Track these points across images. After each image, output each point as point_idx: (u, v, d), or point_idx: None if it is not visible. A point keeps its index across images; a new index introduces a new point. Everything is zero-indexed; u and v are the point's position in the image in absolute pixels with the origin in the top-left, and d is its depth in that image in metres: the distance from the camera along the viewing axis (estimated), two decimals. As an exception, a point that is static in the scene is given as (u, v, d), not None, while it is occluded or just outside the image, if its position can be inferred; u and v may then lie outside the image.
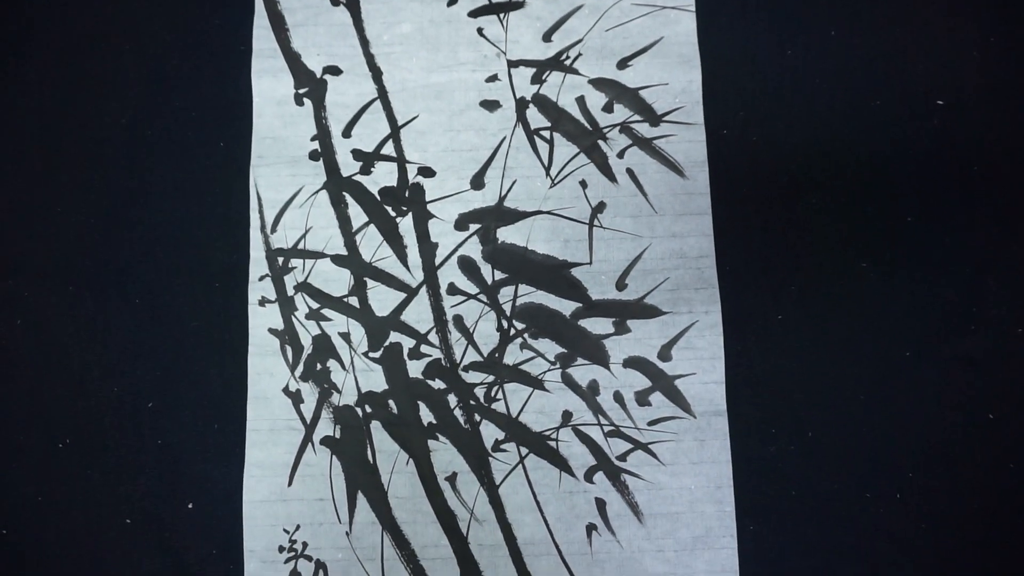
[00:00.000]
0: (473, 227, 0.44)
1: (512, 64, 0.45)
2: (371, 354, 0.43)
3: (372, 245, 0.43)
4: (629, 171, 0.44)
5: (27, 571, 0.41)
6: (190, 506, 0.42)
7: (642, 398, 0.42)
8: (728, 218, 0.44)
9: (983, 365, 0.42)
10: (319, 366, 0.42)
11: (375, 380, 0.42)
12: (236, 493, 0.41)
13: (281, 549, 0.41)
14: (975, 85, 0.45)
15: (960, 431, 0.42)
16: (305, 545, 0.41)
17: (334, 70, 0.45)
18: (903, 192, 0.44)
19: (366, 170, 0.44)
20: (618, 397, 0.42)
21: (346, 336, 0.43)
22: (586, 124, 0.44)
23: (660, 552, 0.41)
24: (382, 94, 0.45)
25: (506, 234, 0.43)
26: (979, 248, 0.43)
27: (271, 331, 0.43)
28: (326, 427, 0.42)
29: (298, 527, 0.41)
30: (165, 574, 0.41)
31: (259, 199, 0.44)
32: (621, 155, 0.44)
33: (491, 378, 0.42)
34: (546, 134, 0.44)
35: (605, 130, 0.44)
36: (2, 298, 0.43)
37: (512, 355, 0.42)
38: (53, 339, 0.43)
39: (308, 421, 0.42)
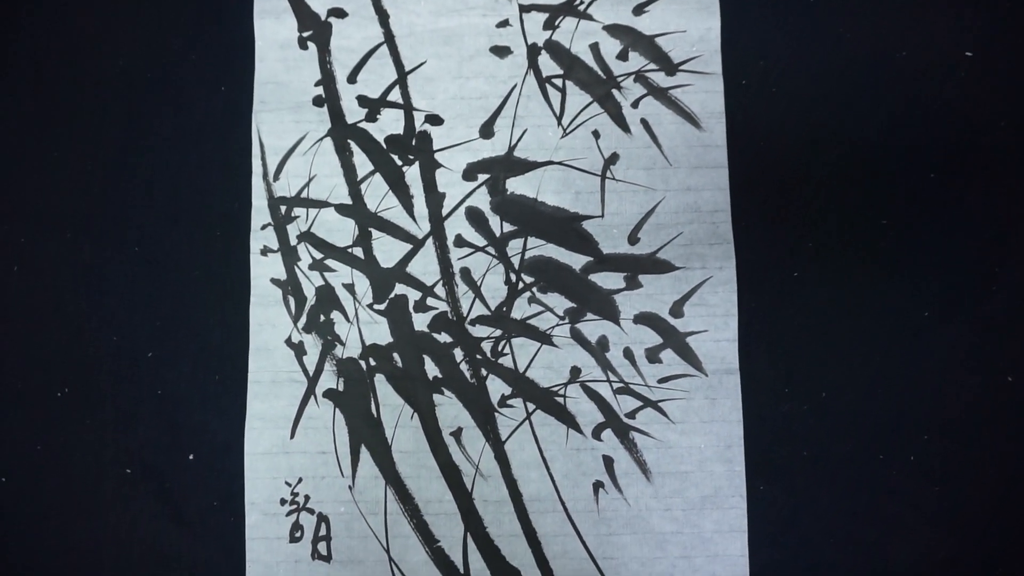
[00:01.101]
0: (482, 177, 0.42)
1: (524, 9, 0.43)
2: (376, 306, 0.42)
3: (377, 194, 0.42)
4: (643, 122, 0.42)
5: (26, 519, 0.41)
6: (191, 457, 0.41)
7: (652, 355, 0.41)
8: (745, 172, 0.42)
9: (1004, 327, 0.41)
10: (322, 318, 0.41)
11: (379, 332, 0.41)
12: (237, 445, 0.41)
13: (283, 502, 0.40)
14: (1005, 37, 0.43)
15: (978, 394, 0.41)
16: (307, 498, 0.40)
17: (339, 12, 0.43)
18: (927, 147, 0.42)
19: (372, 117, 0.43)
20: (628, 353, 0.41)
21: (350, 287, 0.42)
22: (600, 72, 0.43)
23: (668, 511, 0.40)
24: (389, 38, 0.43)
25: (515, 185, 0.42)
26: (1004, 207, 0.42)
27: (273, 281, 0.42)
28: (329, 380, 0.41)
29: (300, 480, 0.40)
30: (165, 525, 0.40)
31: (261, 146, 0.43)
32: (635, 105, 0.43)
33: (498, 332, 0.41)
34: (558, 82, 0.43)
35: (619, 79, 0.43)
36: (0, 244, 0.43)
37: (520, 309, 0.41)
38: (51, 286, 0.42)
39: (311, 373, 0.41)
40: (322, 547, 0.40)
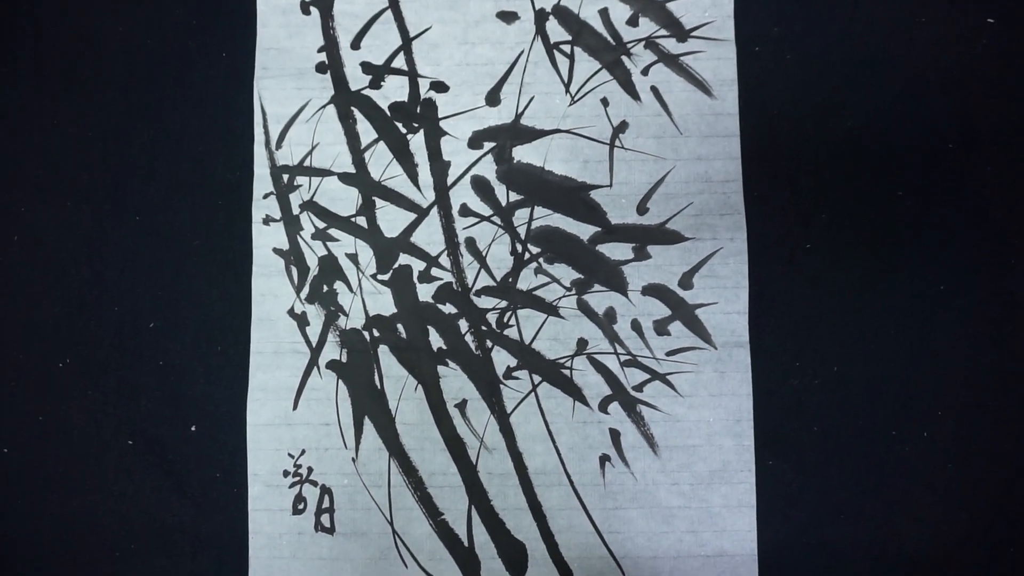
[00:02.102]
0: (488, 145, 0.41)
1: (532, -28, 0.42)
2: (379, 276, 0.41)
3: (381, 163, 0.41)
4: (653, 89, 0.41)
5: (27, 490, 0.40)
6: (193, 429, 0.40)
7: (661, 327, 0.40)
8: (757, 141, 0.41)
9: (1021, 302, 0.40)
10: (325, 288, 0.41)
11: (383, 303, 0.41)
12: (240, 416, 0.40)
13: (286, 473, 0.40)
14: (1028, 2, 0.42)
15: (994, 369, 0.40)
16: (310, 470, 0.40)
17: (343, -24, 0.42)
18: (946, 117, 0.41)
19: (376, 84, 0.42)
20: (636, 325, 0.40)
21: (353, 257, 0.41)
22: (609, 38, 0.42)
23: (675, 485, 0.39)
24: (393, 3, 0.42)
25: (522, 153, 0.41)
26: (1023, 177, 0.41)
27: (276, 251, 0.41)
28: (332, 351, 0.40)
29: (303, 452, 0.40)
30: (167, 496, 0.40)
31: (263, 113, 0.42)
32: (645, 72, 0.42)
33: (504, 303, 0.40)
34: (566, 48, 0.42)
35: (629, 45, 0.42)
36: (0, 213, 0.42)
37: (526, 280, 0.41)
38: (51, 256, 0.42)
39: (314, 344, 0.40)
40: (325, 519, 0.40)
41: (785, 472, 0.40)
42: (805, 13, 0.42)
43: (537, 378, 0.40)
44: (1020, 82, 0.41)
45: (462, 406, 0.40)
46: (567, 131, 0.41)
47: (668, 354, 0.40)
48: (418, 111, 0.42)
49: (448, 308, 0.41)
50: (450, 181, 0.41)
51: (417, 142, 0.42)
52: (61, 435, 0.41)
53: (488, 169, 0.41)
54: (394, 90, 0.42)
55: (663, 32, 0.42)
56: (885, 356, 0.40)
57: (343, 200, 0.41)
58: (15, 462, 0.41)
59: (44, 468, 0.41)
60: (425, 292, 0.41)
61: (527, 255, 0.41)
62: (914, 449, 0.40)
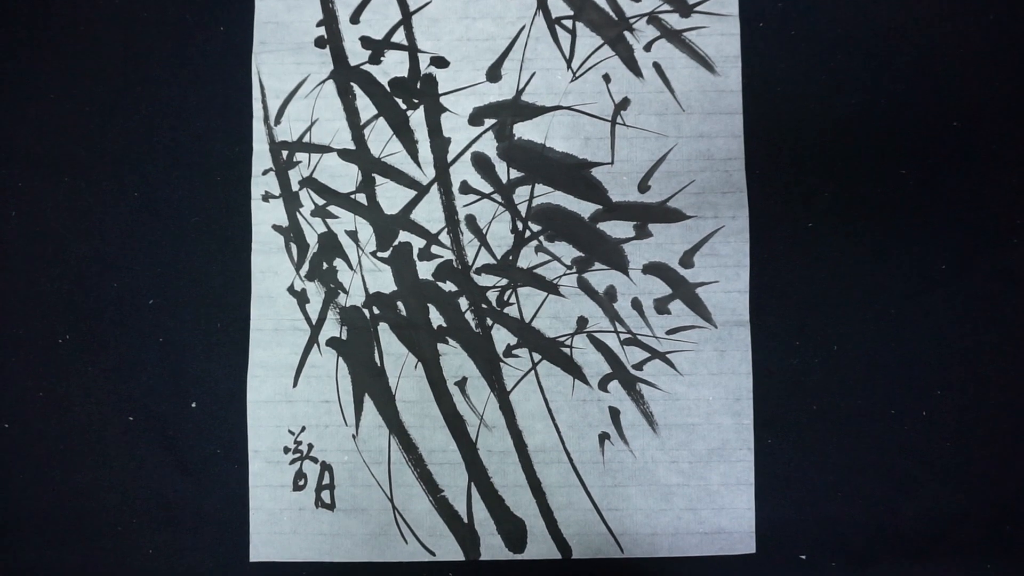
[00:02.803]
0: (488, 122, 0.41)
1: (533, -54, 0.42)
2: (379, 254, 0.41)
3: (381, 139, 0.41)
4: (656, 65, 0.41)
5: (28, 466, 0.41)
6: (193, 405, 0.41)
7: (661, 306, 0.40)
8: (760, 118, 0.41)
9: (1021, 281, 0.40)
10: (325, 265, 0.41)
11: (383, 281, 0.41)
12: (240, 393, 0.40)
13: (286, 450, 0.40)
14: (1037, -22, 0.41)
15: (993, 349, 0.40)
16: (311, 447, 0.40)
17: (342, -51, 0.42)
18: (950, 95, 0.41)
19: (375, 59, 0.41)
20: (636, 304, 0.40)
21: (353, 234, 0.41)
22: (611, 13, 0.41)
23: (674, 463, 0.40)
24: (393, -23, 0.42)
25: (523, 130, 0.41)
26: (1028, 157, 0.41)
27: (275, 228, 0.41)
28: (332, 328, 0.40)
29: (303, 428, 0.40)
30: (168, 472, 0.40)
31: (262, 88, 0.41)
32: (648, 48, 0.41)
33: (504, 281, 0.40)
34: (568, 23, 0.41)
35: (631, 20, 0.41)
36: (-4, 188, 0.42)
37: (527, 258, 0.40)
38: (49, 231, 0.41)
39: (314, 321, 0.40)
40: (325, 495, 0.40)
41: (784, 450, 0.40)
42: (810, -12, 0.41)
43: (537, 356, 0.40)
44: (1022, 61, 0.41)
45: (462, 384, 0.40)
46: (568, 108, 0.41)
47: (668, 333, 0.40)
48: (418, 87, 0.41)
49: (448, 286, 0.40)
50: (450, 158, 0.41)
51: (417, 118, 0.41)
52: (62, 411, 0.41)
53: (489, 146, 0.41)
54: (394, 65, 0.41)
55: (666, 7, 0.41)
56: (884, 335, 0.40)
57: (343, 177, 0.41)
58: (16, 438, 0.41)
59: (45, 444, 0.41)
60: (425, 270, 0.41)
61: (528, 233, 0.41)
62: (913, 428, 0.40)
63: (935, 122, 0.41)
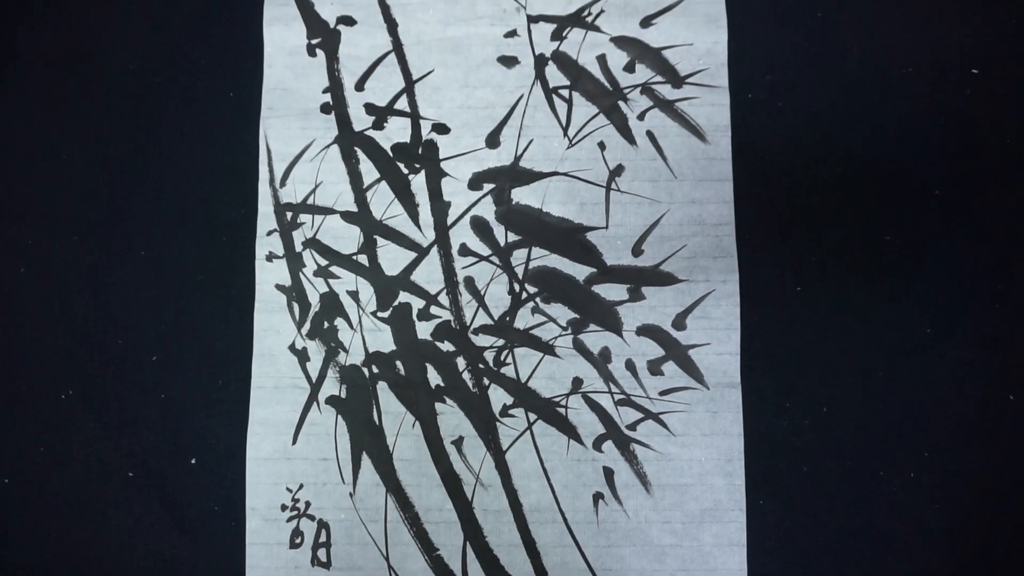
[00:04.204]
0: (487, 187, 0.42)
1: (532, 19, 0.43)
2: (379, 314, 0.42)
3: (383, 202, 0.42)
4: (649, 134, 0.43)
5: (28, 521, 0.41)
6: (193, 462, 0.41)
7: (654, 367, 0.41)
8: (750, 185, 0.42)
9: (1006, 345, 0.41)
10: (326, 324, 0.42)
11: (383, 340, 0.41)
12: (239, 450, 0.41)
13: (283, 508, 0.40)
14: (1011, 55, 0.43)
15: (979, 412, 0.41)
16: (308, 504, 0.40)
17: (348, 20, 0.44)
18: (932, 164, 0.42)
19: (379, 125, 0.43)
20: (630, 365, 0.41)
21: (354, 295, 0.42)
22: (606, 84, 0.43)
23: (667, 523, 0.40)
24: (397, 47, 0.43)
25: (521, 195, 0.42)
26: (1008, 224, 0.42)
27: (278, 287, 0.42)
28: (332, 386, 0.41)
29: (301, 486, 0.40)
30: (166, 529, 0.41)
31: (268, 152, 0.43)
32: (641, 117, 0.43)
33: (501, 342, 0.41)
34: (565, 93, 0.43)
35: (626, 90, 0.43)
36: (6, 245, 0.43)
37: (523, 319, 0.41)
38: (57, 288, 0.42)
39: (314, 380, 0.41)
40: (322, 553, 0.40)
41: (775, 511, 0.40)
42: (796, 62, 0.43)
43: (533, 416, 0.41)
44: (1002, 131, 0.42)
45: (459, 443, 0.41)
46: (565, 174, 0.42)
47: (661, 394, 0.41)
48: (420, 152, 0.43)
49: (446, 346, 0.41)
50: (450, 221, 0.42)
51: (418, 182, 0.43)
52: (62, 466, 0.41)
53: (487, 210, 0.42)
54: (397, 131, 0.43)
55: (659, 78, 0.43)
56: (873, 397, 0.41)
57: (345, 238, 0.42)
58: (16, 493, 0.41)
59: (45, 499, 0.41)
60: (424, 330, 0.41)
61: (524, 294, 0.42)
62: (901, 489, 0.40)
63: (918, 190, 0.42)
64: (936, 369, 0.41)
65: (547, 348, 0.41)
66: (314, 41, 0.43)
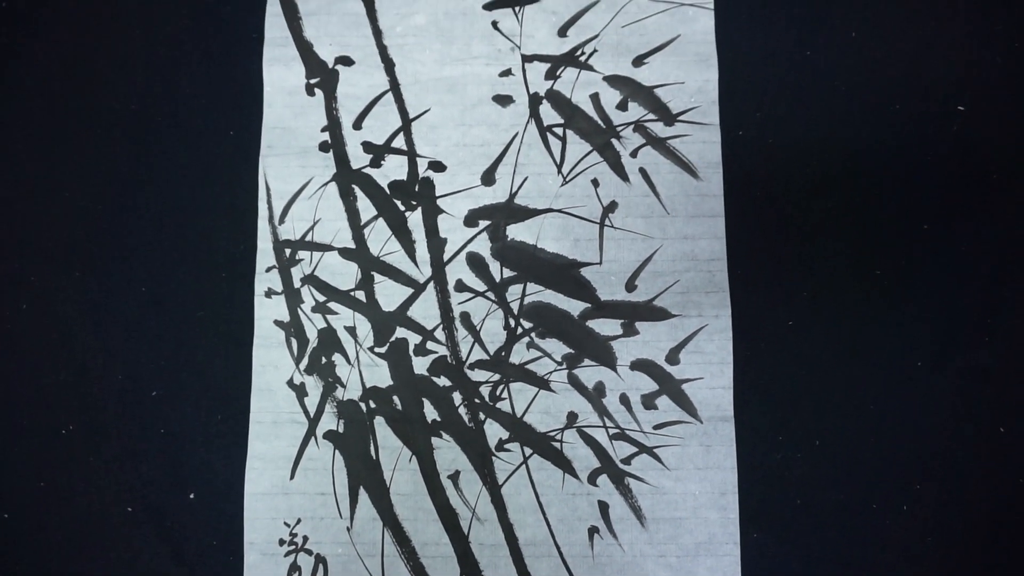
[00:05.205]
0: (483, 223, 0.43)
1: (526, 59, 0.44)
2: (376, 349, 0.42)
3: (380, 239, 0.43)
4: (642, 171, 0.43)
5: (27, 556, 0.41)
6: (191, 496, 0.41)
7: (648, 401, 0.42)
8: (741, 221, 0.43)
9: (997, 377, 0.42)
10: (324, 359, 0.42)
11: (380, 375, 0.42)
12: (238, 485, 0.41)
13: (281, 542, 0.41)
14: (997, 91, 0.44)
15: (970, 444, 0.41)
16: (305, 539, 0.41)
17: (346, 60, 0.44)
18: (920, 199, 0.43)
19: (376, 163, 0.44)
20: (624, 400, 0.42)
21: (352, 330, 0.42)
22: (600, 122, 0.44)
23: (662, 557, 0.40)
24: (394, 86, 0.44)
25: (516, 231, 0.43)
26: (996, 258, 0.43)
27: (277, 323, 0.42)
28: (329, 421, 0.42)
29: (299, 521, 0.41)
30: (164, 564, 0.41)
31: (268, 189, 0.44)
32: (634, 154, 0.43)
33: (497, 377, 0.42)
34: (559, 131, 0.44)
35: (619, 128, 0.44)
36: (8, 281, 0.43)
37: (518, 354, 0.42)
38: (58, 324, 0.43)
39: (312, 415, 0.42)
40: (319, 588, 0.40)
41: (769, 544, 0.41)
42: (786, 100, 0.44)
43: (528, 450, 0.41)
44: (989, 167, 0.43)
45: (455, 477, 0.41)
46: (559, 210, 0.43)
47: (655, 428, 0.41)
48: (416, 189, 0.44)
49: (443, 381, 0.42)
50: (446, 257, 0.43)
51: (415, 219, 0.43)
52: (62, 501, 0.42)
53: (483, 246, 0.43)
54: (394, 169, 0.44)
55: (651, 116, 0.44)
56: (865, 431, 0.41)
57: (343, 274, 0.43)
58: (15, 528, 0.41)
59: (44, 534, 0.41)
60: (420, 365, 0.42)
61: (520, 330, 0.42)
62: (894, 522, 0.41)
63: (907, 225, 0.43)
64: (927, 402, 0.42)
65: (542, 383, 0.42)
66: (313, 81, 0.44)
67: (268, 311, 0.42)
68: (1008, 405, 0.42)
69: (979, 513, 0.41)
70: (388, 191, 0.43)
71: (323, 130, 0.44)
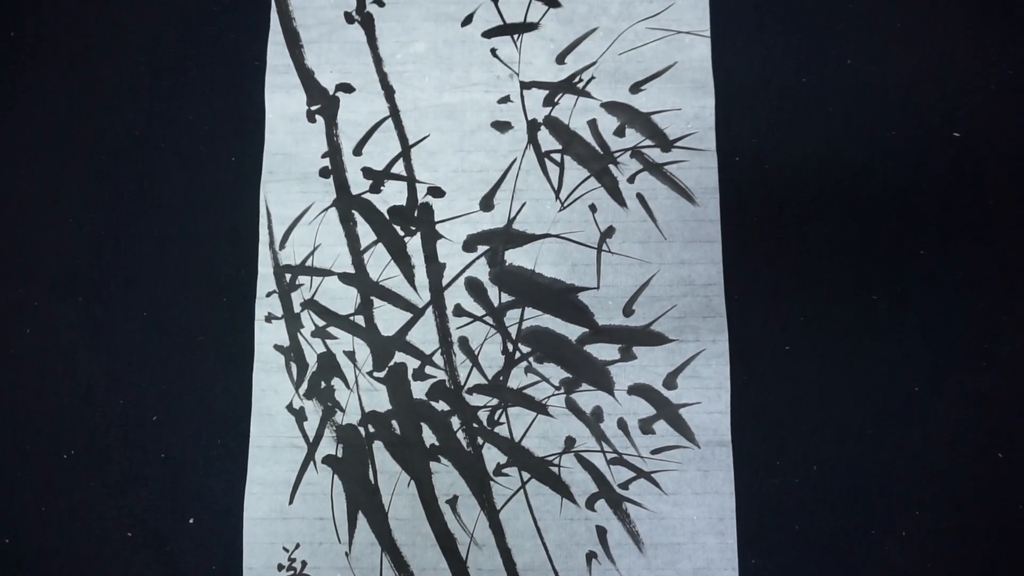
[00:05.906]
0: (481, 248, 0.43)
1: (525, 85, 0.45)
2: (375, 373, 0.42)
3: (380, 264, 0.43)
4: (639, 196, 0.44)
5: (28, 580, 0.41)
6: (191, 521, 0.42)
7: (646, 426, 0.42)
8: (738, 246, 0.43)
9: (994, 402, 0.42)
10: (323, 384, 0.42)
11: (379, 400, 0.42)
12: (237, 509, 0.41)
13: (280, 567, 0.41)
14: (992, 118, 0.44)
15: (969, 469, 0.41)
16: (304, 564, 0.41)
17: (347, 87, 0.45)
18: (917, 224, 0.43)
19: (376, 188, 0.44)
20: (622, 424, 0.42)
21: (351, 355, 0.43)
22: (597, 148, 0.44)
23: (660, 582, 0.40)
24: (394, 113, 0.45)
25: (514, 256, 0.43)
26: (993, 283, 0.43)
27: (277, 347, 0.43)
28: (328, 446, 0.42)
29: (298, 545, 0.41)
30: (164, 588, 0.41)
31: (268, 215, 0.44)
32: (632, 180, 0.44)
33: (495, 401, 0.42)
34: (557, 157, 0.44)
35: (616, 154, 0.44)
36: (12, 307, 0.44)
37: (516, 379, 0.42)
38: (61, 349, 0.43)
39: (311, 439, 0.42)
40: (318, 613, 0.40)
41: (767, 570, 0.41)
42: (781, 126, 0.44)
43: (526, 475, 0.41)
44: (985, 193, 0.43)
45: (453, 502, 0.41)
46: (557, 235, 0.43)
47: (653, 452, 0.41)
48: (416, 215, 0.44)
49: (441, 405, 0.42)
50: (445, 282, 0.43)
51: (414, 244, 0.44)
52: (63, 526, 0.42)
53: (481, 271, 0.43)
54: (393, 194, 0.44)
55: (648, 142, 0.44)
56: (863, 456, 0.41)
57: (342, 299, 0.43)
58: (17, 552, 0.42)
59: (44, 559, 0.42)
60: (419, 389, 0.42)
61: (518, 354, 0.42)
62: (893, 547, 0.41)
63: (903, 251, 0.43)
64: (925, 427, 0.42)
65: (540, 407, 0.42)
66: (314, 107, 0.45)
67: (268, 336, 0.43)
68: (1006, 430, 0.42)
69: (978, 538, 0.41)
70: (388, 216, 0.44)
71: (324, 156, 0.44)
